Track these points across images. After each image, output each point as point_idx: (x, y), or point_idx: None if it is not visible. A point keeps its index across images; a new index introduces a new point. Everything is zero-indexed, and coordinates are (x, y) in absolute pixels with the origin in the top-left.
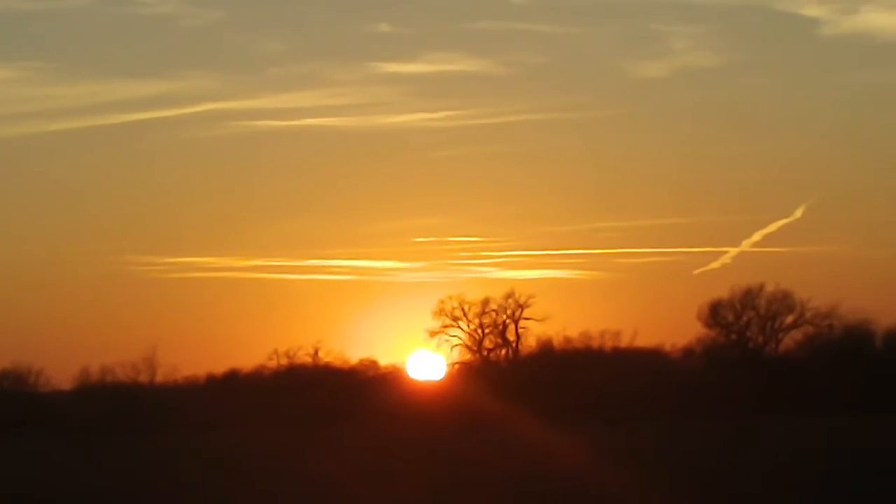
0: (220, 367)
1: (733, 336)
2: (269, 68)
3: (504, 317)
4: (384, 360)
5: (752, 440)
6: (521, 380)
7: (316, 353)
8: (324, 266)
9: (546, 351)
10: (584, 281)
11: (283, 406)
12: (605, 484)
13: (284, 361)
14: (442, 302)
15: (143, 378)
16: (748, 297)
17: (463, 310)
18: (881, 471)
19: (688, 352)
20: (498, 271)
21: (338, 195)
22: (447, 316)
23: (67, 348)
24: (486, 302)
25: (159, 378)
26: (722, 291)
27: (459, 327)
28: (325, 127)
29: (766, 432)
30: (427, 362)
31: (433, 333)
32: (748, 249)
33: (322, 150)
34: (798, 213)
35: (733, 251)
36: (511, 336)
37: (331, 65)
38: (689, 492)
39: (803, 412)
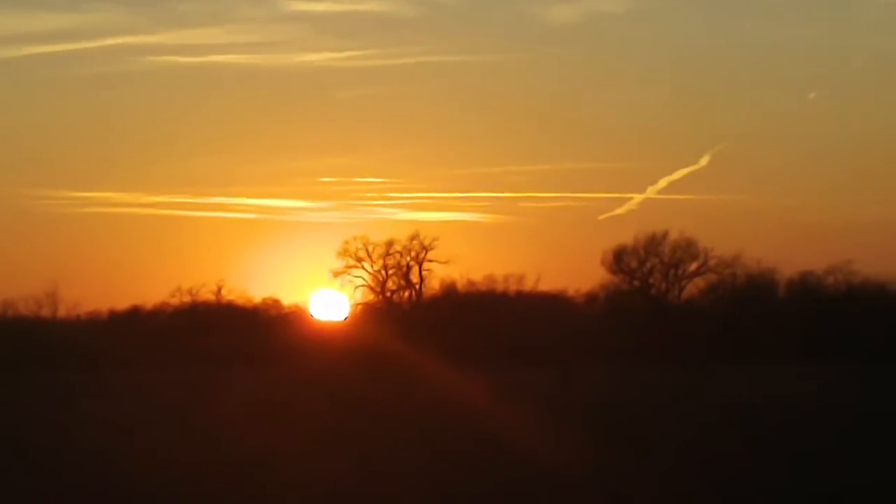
0: (122, 303)
1: (636, 282)
2: (176, 3)
3: (408, 258)
4: (287, 299)
5: (651, 386)
6: (423, 322)
7: (219, 291)
8: (228, 204)
9: (449, 293)
10: (488, 224)
11: (184, 344)
12: (505, 423)
13: (187, 299)
14: (346, 242)
15: (46, 313)
16: (652, 244)
17: (367, 251)
18: (763, 418)
19: (591, 297)
20: (403, 213)
21: (243, 133)
22: (351, 257)
23: None
24: (390, 243)
25: (61, 313)
26: (626, 238)
27: (363, 268)
28: (232, 64)
29: (666, 379)
30: (330, 303)
31: (337, 274)
32: (653, 196)
33: (228, 87)
34: (703, 161)
35: (638, 197)
36: (415, 278)
37: (238, 1)
38: (589, 432)
39: (705, 360)
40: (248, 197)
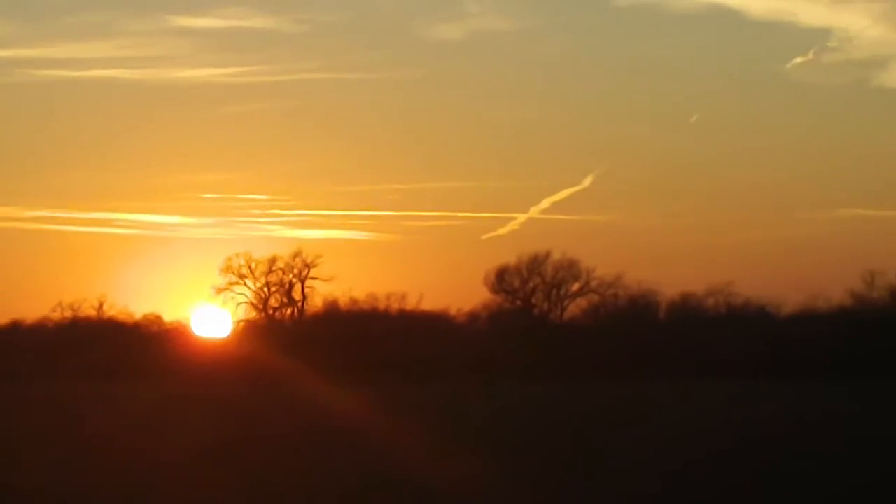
0: (2, 318)
1: (519, 302)
2: (61, 17)
3: (291, 276)
4: (169, 315)
5: (528, 404)
6: (305, 339)
7: (101, 306)
8: (110, 219)
9: (332, 311)
10: (371, 242)
11: (66, 359)
12: (385, 438)
13: (69, 314)
14: (229, 259)
15: None
16: (534, 264)
17: (250, 268)
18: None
19: (473, 316)
20: (286, 230)
21: (126, 148)
22: (234, 273)
23: None
24: (273, 260)
25: None
26: (509, 257)
27: (246, 285)
28: (116, 78)
29: (544, 396)
30: (212, 319)
31: (219, 290)
32: (536, 216)
33: (111, 101)
34: (586, 182)
35: (521, 217)
36: (297, 295)
37: (123, 15)
38: (467, 446)
39: (586, 378)
40: (131, 212)
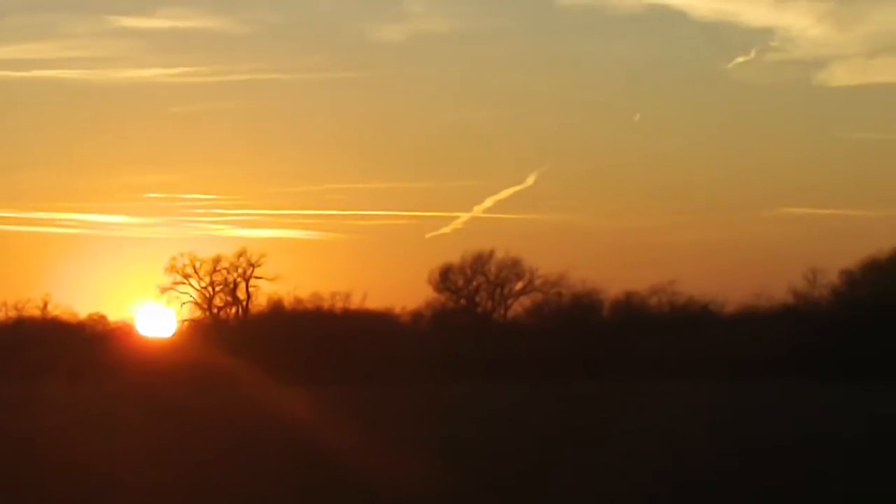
0: None
1: (463, 301)
2: (3, 18)
3: (235, 275)
4: (114, 315)
5: (473, 403)
6: (250, 338)
7: (45, 306)
8: (54, 219)
9: (276, 310)
10: (315, 242)
11: (9, 359)
12: (329, 437)
13: (13, 314)
14: (173, 259)
15: None
16: (478, 263)
17: (194, 267)
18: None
19: (417, 315)
20: (231, 229)
21: (70, 148)
22: (179, 273)
23: None
24: (217, 260)
25: None
26: (453, 256)
27: (190, 284)
28: (60, 79)
29: (489, 396)
30: (157, 319)
31: (164, 290)
32: (480, 215)
33: (55, 102)
34: (530, 181)
35: (465, 216)
36: (242, 295)
37: (66, 16)
38: (412, 443)
39: (528, 378)
40: (75, 212)
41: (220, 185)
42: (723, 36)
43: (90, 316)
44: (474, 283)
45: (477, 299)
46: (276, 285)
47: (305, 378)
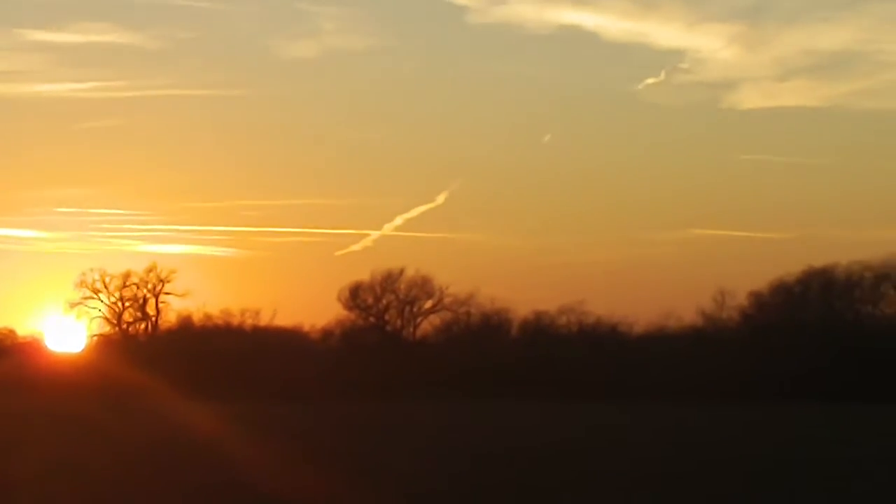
0: None
1: (372, 319)
2: None
3: (145, 291)
4: (22, 329)
5: (380, 420)
6: (159, 354)
7: None
8: None
9: (185, 326)
10: (225, 258)
11: None
12: (236, 453)
13: None
14: (83, 274)
15: None
16: (388, 281)
17: (104, 282)
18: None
19: (327, 333)
20: (141, 245)
21: None
22: (88, 288)
23: None
24: (127, 275)
25: None
26: (363, 274)
27: (100, 300)
28: None
29: (395, 414)
30: (66, 334)
31: (73, 305)
32: (389, 233)
33: None
34: (440, 199)
35: (375, 234)
36: (151, 310)
37: None
38: (321, 461)
39: (438, 396)
40: None
41: (130, 200)
42: (633, 57)
43: None
44: (384, 301)
45: (387, 317)
46: (185, 301)
47: (213, 394)
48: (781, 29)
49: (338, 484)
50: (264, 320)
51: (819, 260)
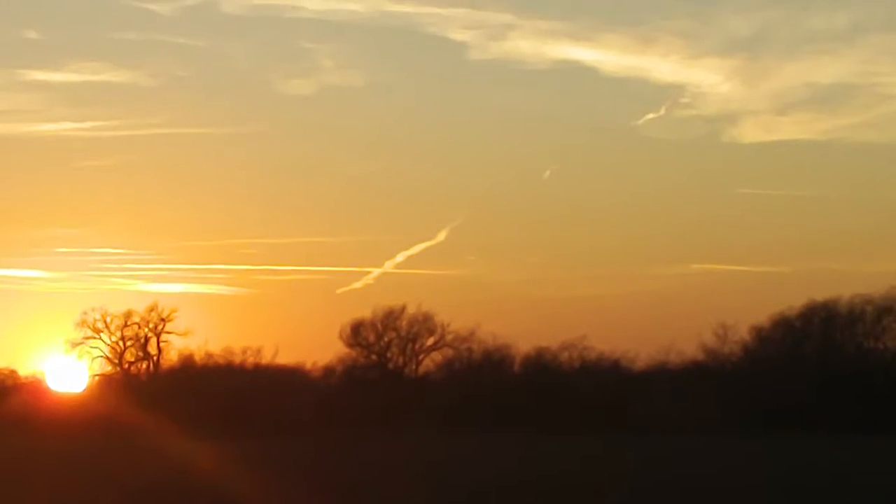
0: None
1: (374, 356)
2: None
3: (146, 330)
4: (24, 370)
5: (383, 457)
6: (160, 393)
7: None
8: None
9: (187, 365)
10: (227, 297)
11: None
12: (240, 491)
13: None
14: (84, 313)
15: None
16: (389, 318)
17: (105, 322)
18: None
19: (328, 370)
20: (141, 284)
21: None
22: (89, 327)
23: None
24: (128, 315)
25: None
26: (364, 311)
27: (101, 339)
28: None
29: (396, 449)
30: (68, 373)
31: (75, 345)
32: (391, 270)
33: None
34: (441, 236)
35: (376, 271)
36: (153, 350)
37: None
38: (325, 498)
39: (442, 431)
40: None
41: (130, 239)
42: (633, 92)
43: (0, 370)
44: (385, 339)
45: (388, 355)
46: (187, 340)
47: (216, 433)
48: (780, 62)
49: None
50: (266, 358)
51: (820, 294)
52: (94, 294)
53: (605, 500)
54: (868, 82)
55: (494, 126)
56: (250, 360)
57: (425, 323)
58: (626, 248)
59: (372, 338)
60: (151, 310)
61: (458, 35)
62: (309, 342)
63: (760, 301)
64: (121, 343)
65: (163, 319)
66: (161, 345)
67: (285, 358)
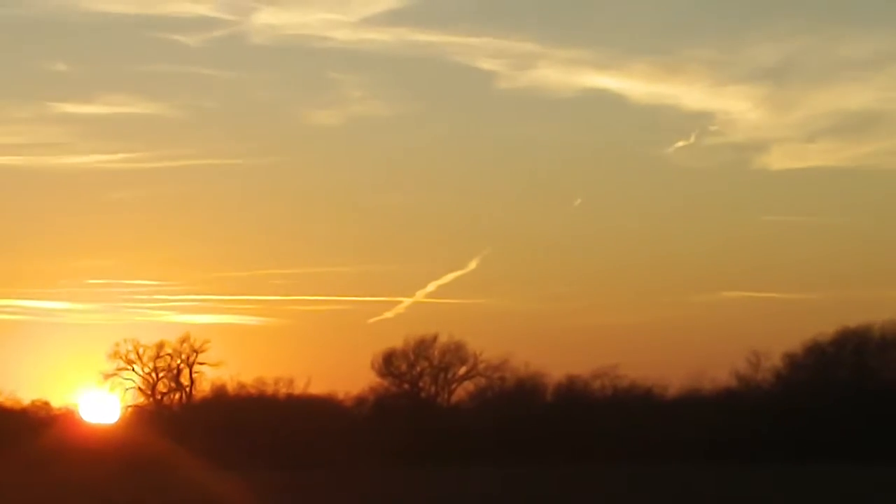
0: None
1: (406, 386)
2: None
3: (179, 361)
4: (57, 401)
5: (414, 488)
6: (193, 424)
7: None
8: None
9: (219, 396)
10: (258, 327)
11: None
12: None
13: None
14: (116, 345)
15: None
16: (421, 348)
17: (137, 353)
18: None
19: (360, 400)
20: (173, 315)
21: (11, 234)
22: (122, 359)
23: None
24: (160, 346)
25: None
26: (396, 341)
27: (134, 370)
28: (0, 165)
29: (428, 480)
30: (100, 405)
31: (107, 376)
32: (422, 300)
33: None
34: (472, 265)
35: (408, 301)
36: (185, 381)
37: (5, 102)
38: None
39: (472, 462)
40: (17, 298)
41: (161, 270)
42: (662, 120)
43: (33, 402)
44: (418, 368)
45: (420, 384)
46: (219, 371)
47: (249, 464)
48: (808, 89)
49: None
50: (298, 389)
51: (853, 320)
52: (125, 325)
53: None
54: None
55: (523, 155)
56: (282, 390)
57: (457, 352)
58: (657, 275)
59: (404, 367)
60: (183, 341)
61: (486, 64)
62: (340, 372)
63: (792, 328)
64: (153, 374)
65: (195, 350)
66: (193, 376)
67: (317, 388)
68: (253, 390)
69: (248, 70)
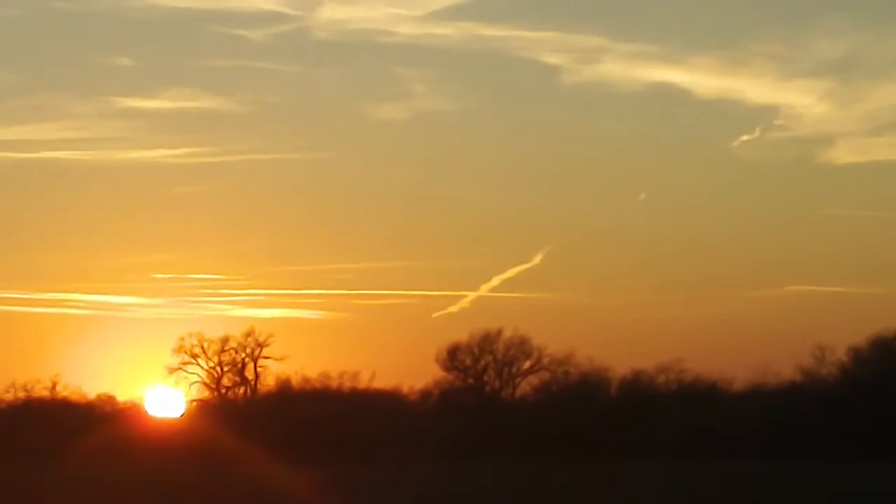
0: None
1: (470, 380)
2: (6, 100)
3: (243, 355)
4: (122, 395)
5: (479, 483)
6: (258, 418)
7: (54, 387)
8: (63, 300)
9: (284, 390)
10: (323, 321)
11: (18, 440)
12: None
13: (22, 394)
14: (181, 339)
15: None
16: (486, 342)
17: (202, 347)
18: None
19: (425, 394)
20: (238, 309)
21: (76, 229)
22: (186, 353)
23: None
24: (225, 340)
25: None
26: (460, 335)
27: (199, 365)
28: (64, 160)
29: (494, 476)
30: (166, 399)
31: (172, 370)
32: (486, 294)
33: (60, 183)
34: (536, 260)
35: (472, 295)
36: (250, 375)
37: (70, 97)
38: None
39: (537, 457)
40: (83, 293)
41: (226, 264)
42: (727, 114)
43: (99, 396)
44: (482, 362)
45: (485, 378)
46: (284, 365)
47: (313, 458)
48: (872, 84)
49: None
50: (363, 383)
51: None
52: (190, 320)
53: None
54: None
55: (588, 149)
56: (347, 384)
57: (522, 346)
58: (721, 269)
59: (468, 361)
60: (248, 335)
61: (550, 59)
62: (405, 366)
63: (856, 322)
64: (218, 368)
65: (259, 344)
66: (258, 370)
67: (382, 382)
68: (317, 385)
69: (312, 65)
